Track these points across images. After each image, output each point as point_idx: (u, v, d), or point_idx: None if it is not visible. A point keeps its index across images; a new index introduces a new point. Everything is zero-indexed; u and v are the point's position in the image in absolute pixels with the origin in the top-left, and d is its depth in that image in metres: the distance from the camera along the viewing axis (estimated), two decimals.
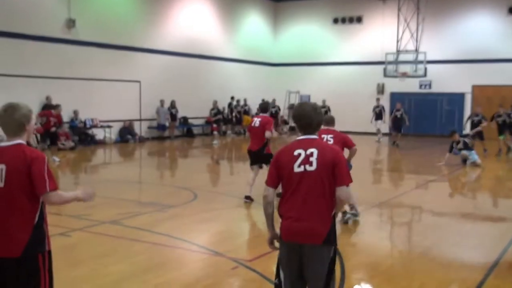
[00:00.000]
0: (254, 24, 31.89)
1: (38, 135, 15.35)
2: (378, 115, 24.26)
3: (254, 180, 10.11)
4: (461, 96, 27.80)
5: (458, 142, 16.08)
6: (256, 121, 10.22)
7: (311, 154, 3.77)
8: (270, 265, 6.49)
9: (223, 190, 11.89)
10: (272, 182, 3.92)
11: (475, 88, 27.78)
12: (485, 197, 12.33)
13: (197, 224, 8.60)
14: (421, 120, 28.81)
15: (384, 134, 25.34)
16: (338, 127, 8.54)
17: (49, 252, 3.74)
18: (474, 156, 15.95)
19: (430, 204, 10.77)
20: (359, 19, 30.80)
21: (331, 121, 8.26)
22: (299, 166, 3.77)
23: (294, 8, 32.56)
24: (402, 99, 29.09)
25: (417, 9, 25.68)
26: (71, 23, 20.81)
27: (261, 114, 10.63)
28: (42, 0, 19.99)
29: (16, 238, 3.57)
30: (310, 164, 3.75)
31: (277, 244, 4.04)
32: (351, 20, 31.02)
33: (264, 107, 11.06)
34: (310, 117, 3.89)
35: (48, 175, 3.60)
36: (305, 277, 3.81)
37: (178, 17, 26.17)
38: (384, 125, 24.70)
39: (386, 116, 24.78)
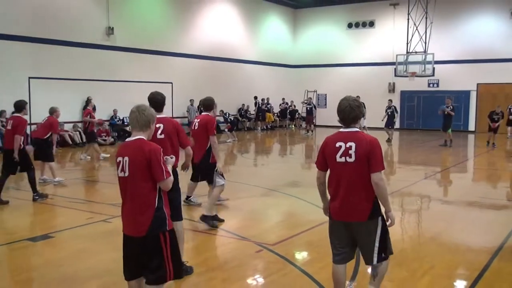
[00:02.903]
0: (275, 29, 31.81)
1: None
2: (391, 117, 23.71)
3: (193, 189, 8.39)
4: (467, 94, 27.45)
5: None
6: (196, 122, 7.70)
7: (350, 148, 4.00)
8: (291, 249, 6.50)
9: (247, 180, 11.90)
10: (321, 167, 4.26)
11: (480, 86, 27.38)
12: (490, 186, 12.13)
13: (224, 211, 8.63)
14: (429, 116, 28.48)
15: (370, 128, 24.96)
16: None
17: (171, 231, 3.90)
18: None
19: (438, 193, 10.67)
20: (371, 24, 30.58)
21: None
22: (340, 157, 4.04)
23: (311, 14, 32.42)
24: (411, 97, 29.05)
25: (425, 13, 25.32)
26: (110, 31, 21.05)
27: (203, 113, 7.80)
28: (84, 10, 20.24)
29: (141, 220, 3.79)
30: (350, 156, 4.00)
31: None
32: (364, 24, 30.83)
33: (208, 103, 7.83)
34: (345, 111, 4.07)
35: (164, 164, 3.82)
36: (359, 247, 4.21)
37: (206, 23, 26.25)
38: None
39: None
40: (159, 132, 5.40)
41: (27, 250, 6.49)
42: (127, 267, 3.96)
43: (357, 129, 4.11)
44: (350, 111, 4.05)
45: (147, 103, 6.79)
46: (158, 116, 5.37)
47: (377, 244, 4.09)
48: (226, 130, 22.13)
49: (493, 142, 18.96)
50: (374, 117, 24.41)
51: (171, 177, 3.87)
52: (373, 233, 4.09)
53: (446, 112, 19.23)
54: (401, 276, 5.39)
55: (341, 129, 4.15)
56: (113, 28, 21.13)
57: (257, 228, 7.62)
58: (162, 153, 3.83)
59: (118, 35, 21.38)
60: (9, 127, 9.19)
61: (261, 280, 5.45)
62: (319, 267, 5.68)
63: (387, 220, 4.19)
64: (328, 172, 4.24)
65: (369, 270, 4.33)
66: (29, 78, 18.27)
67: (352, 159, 3.99)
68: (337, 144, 4.04)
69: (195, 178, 8.21)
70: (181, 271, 4.05)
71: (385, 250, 4.15)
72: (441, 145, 19.59)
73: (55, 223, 7.67)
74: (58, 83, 18.79)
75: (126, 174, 3.80)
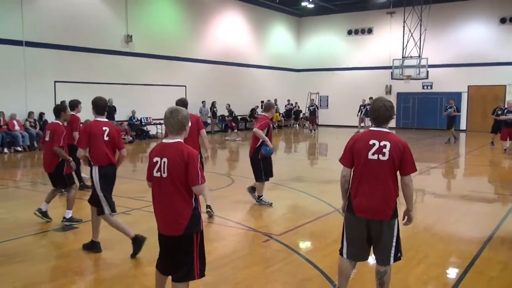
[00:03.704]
0: (281, 36, 31.76)
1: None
2: (366, 113, 24.05)
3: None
4: (458, 95, 27.23)
5: None
6: None
7: (385, 146, 3.80)
8: (296, 239, 6.50)
9: None
10: (348, 164, 4.00)
11: (471, 88, 27.21)
12: (480, 181, 12.05)
13: (234, 204, 8.64)
14: (423, 116, 28.48)
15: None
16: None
17: (202, 231, 3.80)
18: None
19: (432, 187, 10.60)
20: (370, 31, 30.46)
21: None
22: (373, 154, 3.82)
23: (314, 22, 32.35)
24: (407, 98, 28.97)
25: (420, 21, 25.19)
26: (128, 38, 21.12)
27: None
28: (105, 20, 20.32)
29: (180, 220, 3.67)
30: (383, 154, 3.80)
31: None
32: (363, 31, 30.73)
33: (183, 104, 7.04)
34: (380, 111, 3.89)
35: (200, 170, 3.65)
36: (376, 246, 3.96)
37: (217, 31, 26.25)
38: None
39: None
40: (105, 134, 5.68)
41: (54, 240, 6.53)
42: (161, 262, 3.88)
43: (388, 130, 3.92)
44: (385, 111, 3.88)
45: (163, 104, 6.83)
46: (101, 119, 5.72)
47: (394, 244, 3.93)
48: (235, 130, 22.10)
49: (491, 141, 18.08)
50: None
51: (205, 183, 3.73)
52: (392, 233, 3.92)
53: (452, 115, 19.66)
54: (397, 264, 5.33)
55: (372, 128, 3.96)
56: (131, 36, 21.19)
57: (264, 220, 7.63)
58: (199, 159, 3.68)
59: (136, 43, 21.45)
60: (65, 124, 9.31)
61: (267, 267, 5.45)
62: (322, 256, 5.68)
63: (404, 219, 4.06)
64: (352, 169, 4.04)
65: (374, 273, 4.13)
66: (55, 82, 18.39)
67: (386, 158, 3.80)
68: (371, 142, 3.84)
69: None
70: (205, 269, 3.89)
71: (400, 250, 4.02)
72: (446, 143, 19.71)
73: (78, 215, 7.70)
74: (81, 86, 18.87)
75: (165, 175, 3.65)
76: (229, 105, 24.58)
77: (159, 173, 3.68)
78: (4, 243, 5.93)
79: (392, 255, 3.94)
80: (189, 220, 3.67)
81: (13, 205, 8.52)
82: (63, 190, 9.26)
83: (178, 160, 3.62)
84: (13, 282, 4.98)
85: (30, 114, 17.41)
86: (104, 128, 5.69)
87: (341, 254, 4.08)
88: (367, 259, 4.15)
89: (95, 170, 5.65)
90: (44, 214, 7.17)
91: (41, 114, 17.67)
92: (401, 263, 5.40)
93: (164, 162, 3.65)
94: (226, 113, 25.19)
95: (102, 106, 5.83)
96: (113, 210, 5.74)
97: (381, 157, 3.80)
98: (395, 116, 4.11)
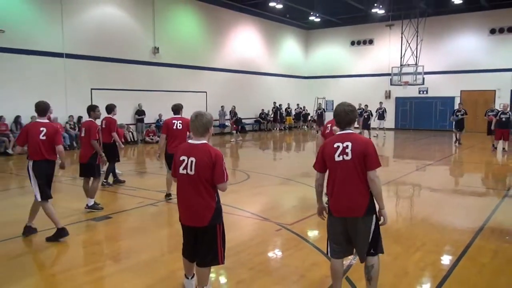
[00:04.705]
0: (291, 47, 31.68)
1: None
2: (381, 115, 23.50)
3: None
4: (452, 99, 26.96)
5: None
6: (177, 123, 7.77)
7: (347, 147, 3.64)
8: (306, 228, 6.47)
9: (269, 171, 11.89)
10: (320, 169, 3.85)
11: (463, 92, 26.84)
12: (472, 176, 11.88)
13: (250, 197, 8.64)
14: (420, 118, 28.19)
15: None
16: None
17: (223, 222, 3.82)
18: None
19: (428, 182, 10.48)
20: (371, 41, 30.24)
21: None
22: (338, 156, 3.67)
23: (321, 34, 32.21)
24: (405, 102, 28.72)
25: (416, 32, 24.97)
26: (156, 50, 21.26)
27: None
28: (135, 33, 20.47)
29: (206, 213, 3.68)
30: (347, 154, 3.63)
31: (325, 214, 3.97)
32: (364, 42, 30.51)
33: (177, 108, 7.97)
34: (341, 115, 3.75)
35: (225, 169, 3.65)
36: (353, 242, 3.76)
37: (234, 43, 26.29)
38: (386, 123, 24.16)
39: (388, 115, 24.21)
40: (42, 134, 5.69)
41: (91, 228, 6.58)
42: (188, 250, 3.89)
43: (352, 131, 3.75)
44: (345, 115, 3.72)
45: (185, 108, 6.83)
46: (41, 120, 5.74)
47: (369, 240, 3.68)
48: (235, 131, 22.04)
49: (492, 143, 16.69)
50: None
51: (228, 180, 3.71)
52: (367, 230, 3.67)
53: (459, 119, 18.47)
54: (397, 252, 5.32)
55: (339, 132, 3.80)
56: (158, 48, 21.32)
57: (277, 211, 7.61)
58: (223, 159, 3.65)
59: (162, 54, 21.58)
60: (103, 126, 9.45)
61: (279, 253, 5.44)
62: None
63: (380, 218, 3.72)
64: (327, 173, 3.84)
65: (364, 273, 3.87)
66: (91, 89, 18.58)
67: (349, 157, 3.62)
68: (335, 145, 3.69)
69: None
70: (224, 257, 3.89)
71: (376, 247, 3.72)
72: (460, 144, 18.57)
73: (113, 206, 7.77)
74: (114, 93, 19.04)
75: (192, 172, 3.61)
76: (235, 107, 24.28)
77: (185, 170, 3.66)
78: (44, 232, 5.99)
79: (365, 251, 3.71)
80: (213, 213, 3.68)
81: (54, 198, 8.61)
82: (105, 183, 9.41)
83: (206, 160, 3.60)
84: (52, 266, 5.04)
85: (70, 117, 17.63)
86: (41, 129, 5.71)
87: (328, 253, 3.90)
88: (352, 254, 3.91)
89: (30, 164, 5.74)
90: (92, 207, 7.27)
91: (80, 118, 17.87)
92: (400, 251, 5.38)
93: (192, 161, 3.62)
94: (244, 115, 25.23)
95: (42, 109, 5.82)
96: (44, 198, 5.78)
97: (345, 157, 3.64)
98: (357, 119, 3.88)
